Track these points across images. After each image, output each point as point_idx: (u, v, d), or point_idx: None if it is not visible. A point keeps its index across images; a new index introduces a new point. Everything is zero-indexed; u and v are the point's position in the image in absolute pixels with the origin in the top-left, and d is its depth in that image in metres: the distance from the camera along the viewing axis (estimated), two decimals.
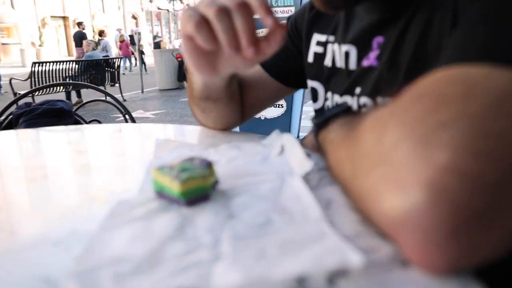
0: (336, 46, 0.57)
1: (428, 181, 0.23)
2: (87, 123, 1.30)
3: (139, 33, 8.37)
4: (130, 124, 0.87)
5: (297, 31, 0.66)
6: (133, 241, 0.26)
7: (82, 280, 0.22)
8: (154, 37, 14.91)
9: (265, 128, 2.63)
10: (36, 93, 4.54)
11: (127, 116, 1.33)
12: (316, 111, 0.63)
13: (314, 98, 0.63)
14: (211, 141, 0.58)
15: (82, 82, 3.65)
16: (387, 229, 0.26)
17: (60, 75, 5.50)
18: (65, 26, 20.91)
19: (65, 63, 5.63)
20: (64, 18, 20.67)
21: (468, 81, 0.26)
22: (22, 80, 5.64)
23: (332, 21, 0.59)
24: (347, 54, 0.55)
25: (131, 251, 0.25)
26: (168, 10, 26.57)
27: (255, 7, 0.40)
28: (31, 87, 4.96)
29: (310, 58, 0.63)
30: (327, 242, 0.25)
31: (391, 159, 0.26)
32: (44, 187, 0.41)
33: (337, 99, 0.57)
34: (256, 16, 0.40)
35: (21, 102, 1.35)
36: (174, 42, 11.56)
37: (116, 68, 6.52)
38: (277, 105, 2.65)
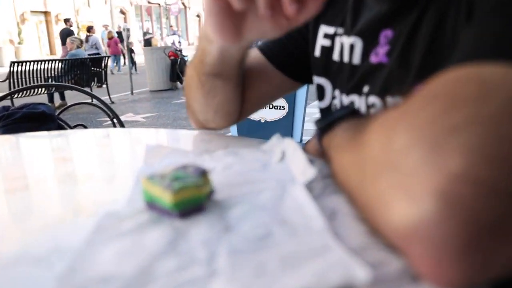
0: (344, 38, 0.57)
1: (440, 190, 0.23)
2: (71, 128, 1.30)
3: (128, 30, 8.41)
4: (118, 129, 0.88)
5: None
6: (121, 257, 0.27)
7: None
8: (145, 34, 14.98)
9: (266, 131, 2.64)
10: (16, 95, 4.55)
11: (115, 120, 1.33)
12: (322, 110, 0.63)
13: (320, 96, 0.63)
14: (206, 147, 0.59)
15: (66, 84, 3.67)
16: (396, 241, 0.26)
17: (42, 75, 5.52)
18: (47, 22, 21.01)
19: (47, 62, 5.65)
20: (46, 13, 20.76)
21: (483, 81, 0.27)
22: (0, 82, 5.66)
23: (341, 12, 0.59)
24: (352, 47, 0.55)
25: (119, 268, 0.25)
26: (159, 4, 26.70)
27: None
28: (10, 89, 4.97)
29: (317, 52, 0.62)
30: (331, 256, 0.26)
31: (400, 166, 0.26)
32: (24, 199, 0.42)
33: (344, 98, 0.57)
34: None
35: None
36: (166, 39, 11.60)
37: (103, 67, 6.55)
38: (278, 107, 2.65)
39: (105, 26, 13.80)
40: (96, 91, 6.76)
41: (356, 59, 0.55)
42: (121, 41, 12.02)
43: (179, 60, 7.94)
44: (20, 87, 5.14)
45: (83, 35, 11.27)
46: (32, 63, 5.43)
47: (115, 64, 13.06)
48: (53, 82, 5.60)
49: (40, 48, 20.57)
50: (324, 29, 0.61)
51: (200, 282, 0.24)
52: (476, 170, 0.23)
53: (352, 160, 0.34)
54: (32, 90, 4.69)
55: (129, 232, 0.30)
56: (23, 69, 5.30)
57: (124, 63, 13.79)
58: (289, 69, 0.67)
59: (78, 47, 6.48)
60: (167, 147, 0.54)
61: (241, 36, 0.45)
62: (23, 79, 5.31)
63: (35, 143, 0.69)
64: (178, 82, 7.84)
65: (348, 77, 0.56)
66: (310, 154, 0.48)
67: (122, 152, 0.66)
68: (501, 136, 0.24)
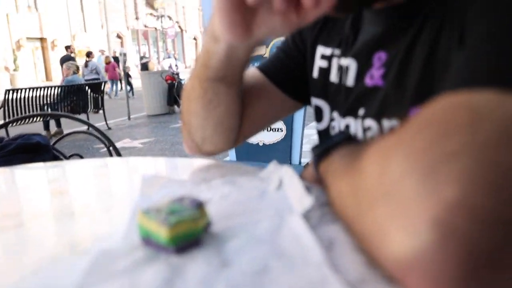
0: (341, 60, 0.58)
1: (436, 219, 0.24)
2: (67, 158, 1.31)
3: (125, 54, 8.55)
4: (114, 159, 0.88)
5: (302, 40, 0.66)
6: None
7: None
8: (141, 58, 15.21)
9: (264, 154, 2.64)
10: (10, 125, 4.57)
11: (111, 148, 1.34)
12: (320, 132, 0.64)
13: (318, 117, 0.64)
14: (204, 176, 0.59)
15: (61, 113, 3.69)
16: (394, 271, 0.26)
17: (38, 102, 5.57)
18: (43, 48, 21.36)
19: (42, 89, 5.71)
20: (42, 39, 21.14)
21: (475, 109, 0.28)
22: None
23: (338, 33, 0.60)
24: (346, 69, 0.56)
25: None
26: (156, 28, 27.22)
27: None
28: (5, 117, 5.00)
29: (315, 73, 0.63)
30: None
31: (396, 194, 0.27)
32: (18, 236, 0.42)
33: (341, 120, 0.58)
34: None
35: None
36: (163, 62, 11.78)
37: (100, 93, 6.62)
38: (276, 129, 2.67)
39: (101, 51, 14.03)
40: (93, 116, 6.82)
41: (351, 81, 0.56)
42: (119, 65, 12.21)
43: (176, 83, 8.04)
44: (15, 115, 5.17)
45: (79, 60, 11.43)
46: (27, 90, 5.49)
47: (112, 89, 13.22)
48: (49, 109, 5.66)
49: (36, 75, 20.84)
50: (321, 50, 0.62)
51: None
52: (471, 199, 0.23)
53: (349, 188, 0.35)
54: (27, 119, 4.72)
55: (124, 271, 0.30)
56: (19, 96, 5.34)
57: (121, 87, 13.94)
58: (289, 87, 0.67)
59: (74, 73, 6.57)
60: (163, 177, 0.55)
61: (251, 33, 0.44)
62: (19, 107, 5.35)
63: (30, 176, 0.70)
64: (176, 106, 7.91)
65: (344, 99, 0.57)
66: (307, 181, 0.49)
67: (119, 182, 0.66)
68: (494, 163, 0.24)
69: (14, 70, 19.30)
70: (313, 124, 0.66)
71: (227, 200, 0.45)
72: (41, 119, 5.47)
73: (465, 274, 0.23)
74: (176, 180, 0.55)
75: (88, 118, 6.36)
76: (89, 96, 6.33)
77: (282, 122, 2.67)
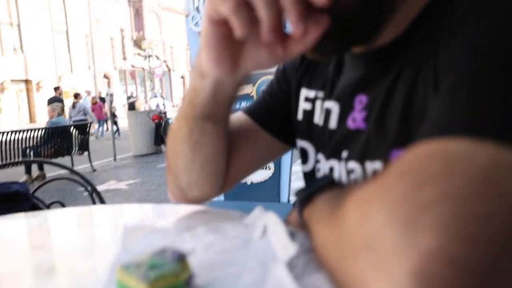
0: (325, 103, 0.60)
1: (416, 270, 0.24)
2: (47, 206, 1.28)
3: (111, 94, 8.63)
4: (96, 207, 0.88)
5: (287, 82, 0.68)
6: None
7: None
8: (128, 98, 15.36)
9: (253, 193, 2.63)
10: None
11: (94, 194, 1.32)
12: (305, 174, 0.65)
13: (304, 159, 0.64)
14: (188, 223, 0.59)
15: (40, 159, 3.66)
16: None
17: (20, 145, 5.52)
18: (27, 90, 21.41)
19: (25, 132, 5.68)
20: (27, 81, 21.23)
21: (450, 158, 0.29)
22: None
23: (322, 76, 0.62)
24: (329, 112, 0.58)
25: None
26: (143, 68, 27.68)
27: None
28: None
29: (300, 115, 0.64)
30: None
31: (377, 245, 0.27)
32: None
33: (326, 162, 0.59)
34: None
35: None
36: (150, 101, 11.90)
37: (86, 134, 6.61)
38: (264, 167, 2.67)
39: (87, 92, 14.15)
40: (77, 158, 6.76)
41: (333, 124, 0.57)
42: (105, 106, 12.29)
43: (163, 122, 8.09)
44: None
45: (66, 101, 11.45)
46: (9, 133, 5.45)
47: (98, 129, 13.22)
48: (31, 152, 5.60)
49: (19, 117, 20.76)
50: (305, 92, 0.64)
51: None
52: (449, 249, 0.24)
53: (331, 237, 0.35)
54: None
55: None
56: (0, 139, 5.30)
57: (107, 128, 13.95)
58: (276, 129, 0.67)
59: (59, 115, 6.58)
60: (146, 227, 0.54)
61: (238, 66, 0.45)
62: (1, 151, 5.29)
63: (7, 228, 0.69)
64: (163, 145, 7.91)
65: (328, 142, 0.58)
66: (292, 225, 0.49)
67: (101, 233, 0.65)
68: (470, 213, 0.25)
69: None
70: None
71: (210, 250, 0.45)
72: (23, 163, 5.40)
73: None
74: (159, 229, 0.55)
75: (72, 160, 6.31)
76: (74, 138, 6.31)
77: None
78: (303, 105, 0.64)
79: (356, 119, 0.53)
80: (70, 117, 8.94)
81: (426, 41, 0.45)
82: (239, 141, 0.65)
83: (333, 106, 0.57)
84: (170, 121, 8.24)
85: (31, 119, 20.93)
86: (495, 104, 0.32)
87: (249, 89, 2.83)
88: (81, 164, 6.78)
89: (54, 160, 5.74)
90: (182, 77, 32.64)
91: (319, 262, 0.39)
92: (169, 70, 31.62)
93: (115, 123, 9.99)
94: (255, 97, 2.78)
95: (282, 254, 0.41)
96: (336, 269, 0.33)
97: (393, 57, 0.49)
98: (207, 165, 0.61)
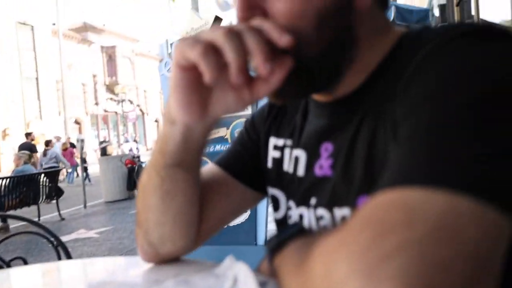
0: (293, 151, 0.61)
1: None
2: (7, 264, 1.20)
3: (82, 140, 8.48)
4: (60, 263, 0.84)
5: (255, 131, 0.69)
6: None
7: None
8: (101, 143, 15.12)
9: (229, 236, 2.58)
10: None
11: (59, 248, 1.26)
12: (277, 222, 0.65)
13: (275, 207, 0.64)
14: (156, 276, 0.57)
15: (1, 213, 3.50)
16: None
17: None
18: None
19: None
20: None
21: (409, 207, 0.30)
22: None
23: (290, 125, 0.63)
24: (297, 159, 0.59)
25: None
26: (116, 112, 27.54)
27: (267, 28, 0.42)
28: None
29: (269, 164, 0.65)
30: None
31: None
32: None
33: (296, 209, 0.59)
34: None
35: None
36: (123, 146, 11.74)
37: (55, 181, 6.40)
38: None
39: (57, 138, 13.84)
40: (45, 207, 6.50)
41: (301, 171, 0.58)
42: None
43: (136, 167, 7.96)
44: None
45: (39, 147, 11.14)
46: None
47: (69, 176, 12.85)
48: None
49: None
50: (273, 141, 0.65)
51: None
52: None
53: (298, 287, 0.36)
54: None
55: None
56: None
57: (77, 174, 13.58)
58: (247, 178, 0.67)
59: (26, 163, 6.38)
60: (112, 283, 0.53)
61: (207, 112, 0.46)
62: None
63: None
64: (136, 190, 7.71)
65: (297, 189, 0.59)
66: (263, 275, 0.49)
67: None
68: (430, 261, 0.26)
69: None
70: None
71: None
72: None
73: None
74: (125, 284, 0.53)
75: (39, 210, 6.06)
76: (42, 186, 6.10)
77: None
78: (272, 153, 0.65)
79: (323, 166, 0.54)
80: (41, 165, 8.69)
81: (385, 91, 0.47)
82: (212, 192, 0.64)
83: (301, 154, 0.59)
84: (143, 165, 8.13)
85: None
86: (450, 152, 0.33)
87: (223, 132, 2.85)
88: (49, 213, 6.52)
89: (19, 211, 5.50)
90: (156, 120, 32.57)
91: None
92: (143, 113, 31.58)
93: (85, 169, 9.76)
94: (229, 140, 2.80)
95: None
96: None
97: (355, 106, 0.51)
98: (180, 217, 0.59)
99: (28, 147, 8.84)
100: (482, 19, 4.29)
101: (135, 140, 17.03)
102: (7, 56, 19.85)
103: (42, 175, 6.21)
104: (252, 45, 0.41)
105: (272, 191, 0.65)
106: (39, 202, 6.05)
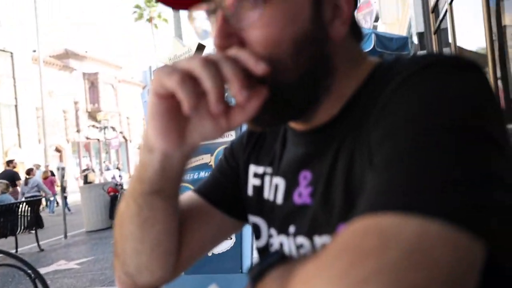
0: (273, 178, 0.61)
1: None
2: None
3: (63, 168, 8.32)
4: None
5: (234, 159, 0.69)
6: None
7: None
8: (83, 170, 14.85)
9: (214, 264, 2.54)
10: None
11: (37, 281, 1.22)
12: (259, 250, 0.64)
13: (257, 235, 0.64)
14: None
15: None
16: None
17: None
18: None
19: None
20: None
21: (383, 233, 0.31)
22: None
23: (269, 152, 0.64)
24: (276, 187, 0.59)
25: None
26: (98, 139, 27.20)
27: (243, 57, 0.44)
28: None
29: (250, 191, 0.65)
30: None
31: None
32: None
33: (276, 237, 0.59)
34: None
35: None
36: (105, 173, 11.55)
37: (35, 211, 6.24)
38: None
39: (36, 166, 13.54)
40: (24, 238, 6.30)
41: (280, 199, 0.59)
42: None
43: (119, 195, 7.83)
44: None
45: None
46: None
47: (49, 205, 12.54)
48: None
49: None
50: (253, 168, 0.66)
51: None
52: None
53: None
54: None
55: None
56: None
57: (57, 203, 13.26)
58: (227, 206, 0.67)
59: (3, 192, 6.22)
60: None
61: (184, 139, 0.46)
62: None
63: None
64: None
65: (276, 217, 0.59)
66: None
67: None
68: (405, 286, 0.27)
69: None
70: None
71: None
72: None
73: None
74: None
75: (16, 241, 5.87)
76: (20, 216, 5.92)
77: None
78: (253, 181, 0.65)
79: (302, 194, 0.55)
80: (23, 193, 8.45)
81: (361, 119, 0.48)
82: (191, 220, 0.63)
83: (280, 182, 0.59)
84: None
85: None
86: (421, 178, 0.34)
87: (207, 159, 2.85)
88: (27, 244, 6.31)
89: None
90: (139, 147, 32.19)
91: None
92: (126, 140, 31.28)
93: (65, 198, 9.54)
94: (213, 166, 2.80)
95: None
96: None
97: (332, 135, 0.52)
98: (158, 246, 0.58)
99: (10, 175, 8.51)
100: (459, 47, 4.45)
101: (118, 168, 16.79)
102: None
103: (22, 204, 6.05)
104: (228, 74, 0.42)
105: (253, 219, 0.65)
106: (18, 232, 5.86)
